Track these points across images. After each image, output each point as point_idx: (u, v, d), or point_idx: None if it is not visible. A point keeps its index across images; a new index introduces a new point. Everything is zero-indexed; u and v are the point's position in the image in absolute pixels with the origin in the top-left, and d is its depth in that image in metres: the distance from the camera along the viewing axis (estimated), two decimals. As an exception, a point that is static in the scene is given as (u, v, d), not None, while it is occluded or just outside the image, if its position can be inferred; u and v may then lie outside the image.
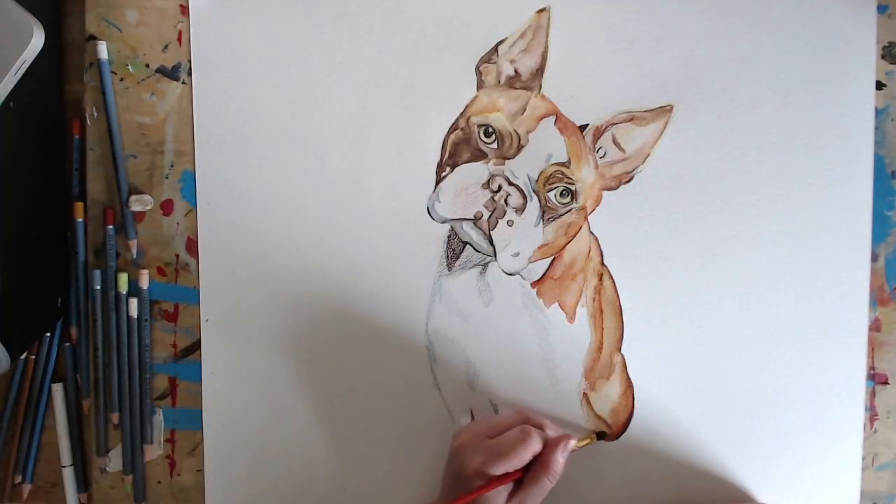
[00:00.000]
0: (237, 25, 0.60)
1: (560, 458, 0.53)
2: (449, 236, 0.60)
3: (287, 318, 0.60)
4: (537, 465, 0.53)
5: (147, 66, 0.60)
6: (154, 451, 0.62)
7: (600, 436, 0.59)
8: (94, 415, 0.62)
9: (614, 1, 0.58)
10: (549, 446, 0.53)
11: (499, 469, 0.51)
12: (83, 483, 0.63)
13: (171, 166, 0.61)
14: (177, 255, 0.61)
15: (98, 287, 0.61)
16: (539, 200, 0.59)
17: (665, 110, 0.59)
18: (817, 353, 0.59)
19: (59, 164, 0.62)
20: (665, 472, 0.60)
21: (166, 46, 0.60)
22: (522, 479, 0.53)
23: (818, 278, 0.59)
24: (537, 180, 0.59)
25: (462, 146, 0.59)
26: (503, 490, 0.52)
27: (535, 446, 0.52)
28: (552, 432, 0.55)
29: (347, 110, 0.60)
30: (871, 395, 0.59)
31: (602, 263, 0.59)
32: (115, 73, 0.60)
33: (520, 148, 0.59)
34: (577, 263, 0.59)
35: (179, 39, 0.60)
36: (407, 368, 0.60)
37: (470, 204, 0.59)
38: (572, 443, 0.54)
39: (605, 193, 0.59)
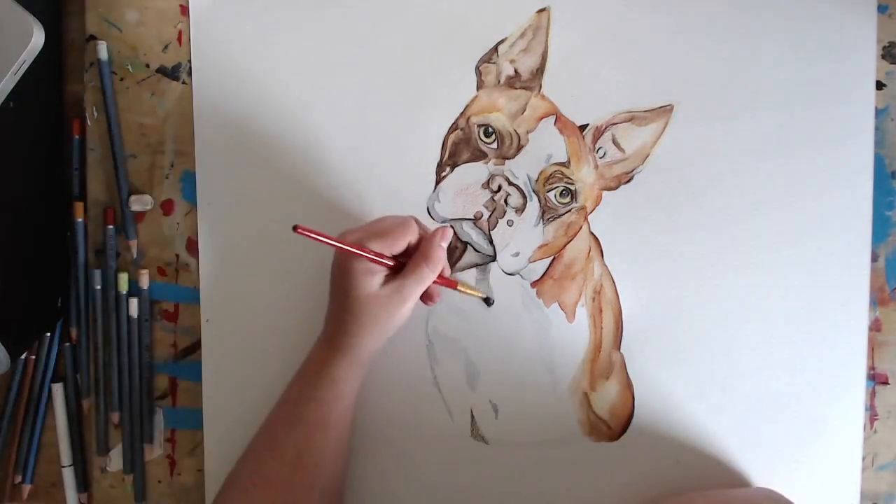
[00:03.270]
0: (237, 25, 0.60)
1: (438, 248, 0.53)
2: (449, 236, 0.60)
3: (287, 318, 0.60)
4: (417, 254, 0.53)
5: (147, 66, 0.60)
6: (154, 451, 0.62)
7: (487, 301, 0.59)
8: (95, 415, 0.62)
9: (614, 1, 0.58)
10: (427, 237, 0.54)
11: (374, 246, 0.52)
12: (83, 483, 0.63)
13: (171, 166, 0.61)
14: (177, 255, 0.61)
15: (98, 287, 0.61)
16: (539, 200, 0.59)
17: (665, 110, 0.59)
18: (817, 353, 0.59)
19: (59, 164, 0.62)
20: (665, 471, 0.60)
21: (166, 46, 0.60)
22: (402, 267, 0.53)
23: (818, 278, 0.59)
24: (537, 180, 0.59)
25: (462, 146, 0.59)
26: (379, 272, 0.52)
27: (411, 234, 0.53)
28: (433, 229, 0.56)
29: (347, 110, 0.60)
30: (871, 395, 0.59)
31: (602, 263, 0.59)
32: (115, 73, 0.60)
33: (520, 148, 0.59)
34: (576, 263, 0.59)
35: (179, 39, 0.60)
36: (407, 368, 0.60)
37: (470, 204, 0.59)
38: (449, 233, 0.55)
39: (605, 193, 0.59)
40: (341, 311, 0.53)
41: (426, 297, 0.55)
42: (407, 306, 0.53)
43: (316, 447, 0.53)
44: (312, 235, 0.49)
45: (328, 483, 0.54)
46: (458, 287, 0.58)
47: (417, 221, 0.56)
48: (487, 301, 0.59)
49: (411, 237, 0.54)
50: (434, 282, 0.54)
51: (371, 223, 0.55)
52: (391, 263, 0.53)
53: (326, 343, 0.54)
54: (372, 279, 0.52)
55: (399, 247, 0.53)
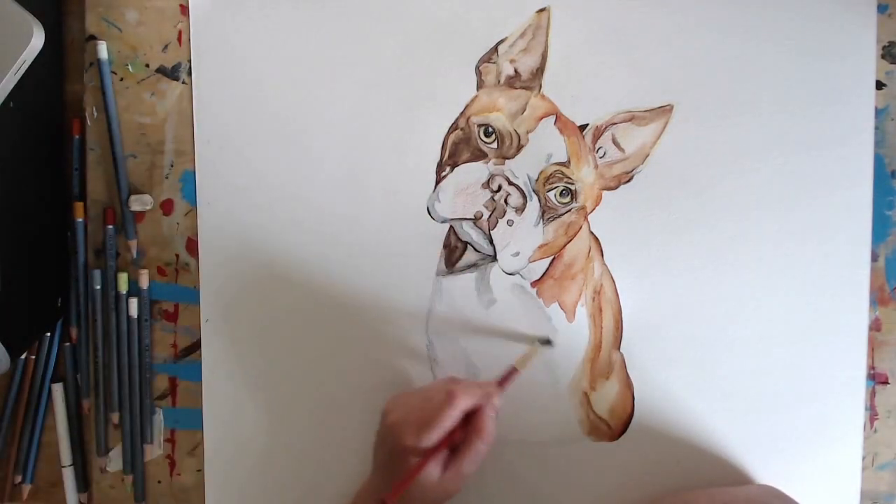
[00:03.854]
0: (237, 25, 0.60)
1: (489, 420, 0.52)
2: (449, 236, 0.60)
3: (287, 318, 0.60)
4: (470, 430, 0.52)
5: (147, 66, 0.60)
6: (154, 451, 0.62)
7: (544, 342, 0.58)
8: (94, 415, 0.62)
9: (614, 1, 0.58)
10: (479, 412, 0.52)
11: (431, 440, 0.50)
12: (83, 483, 0.63)
13: (171, 166, 0.61)
14: (177, 255, 0.61)
15: (98, 287, 0.61)
16: (539, 200, 0.59)
17: (665, 110, 0.59)
18: (817, 353, 0.59)
19: (59, 164, 0.62)
20: (665, 471, 0.60)
21: (166, 46, 0.60)
22: (458, 445, 0.52)
23: (818, 278, 0.59)
24: (537, 180, 0.59)
25: (462, 146, 0.59)
26: (438, 459, 0.51)
27: (461, 405, 0.51)
28: (481, 390, 0.53)
29: (347, 110, 0.60)
30: (871, 394, 0.59)
31: (602, 263, 0.59)
32: (115, 73, 0.60)
33: (520, 148, 0.59)
34: (576, 263, 0.59)
35: (179, 39, 0.60)
36: (407, 368, 0.60)
37: (470, 204, 0.59)
38: (496, 401, 0.53)
39: (605, 193, 0.59)
40: (408, 499, 0.51)
41: (475, 433, 0.53)
42: (464, 483, 0.52)
43: None
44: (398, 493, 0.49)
45: None
46: (520, 370, 0.56)
47: (458, 379, 0.55)
48: (548, 342, 0.59)
49: (462, 408, 0.51)
50: (503, 389, 0.54)
51: (416, 408, 0.52)
52: (445, 446, 0.51)
53: None
54: (435, 468, 0.51)
55: (452, 425, 0.51)
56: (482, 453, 0.52)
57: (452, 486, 0.51)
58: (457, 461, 0.51)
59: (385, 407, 0.54)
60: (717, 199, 0.59)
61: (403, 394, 0.55)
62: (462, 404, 0.51)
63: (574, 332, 0.60)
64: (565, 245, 0.59)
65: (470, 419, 0.52)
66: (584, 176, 0.59)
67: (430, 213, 0.60)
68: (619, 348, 0.59)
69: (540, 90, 0.59)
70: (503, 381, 0.55)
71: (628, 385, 0.59)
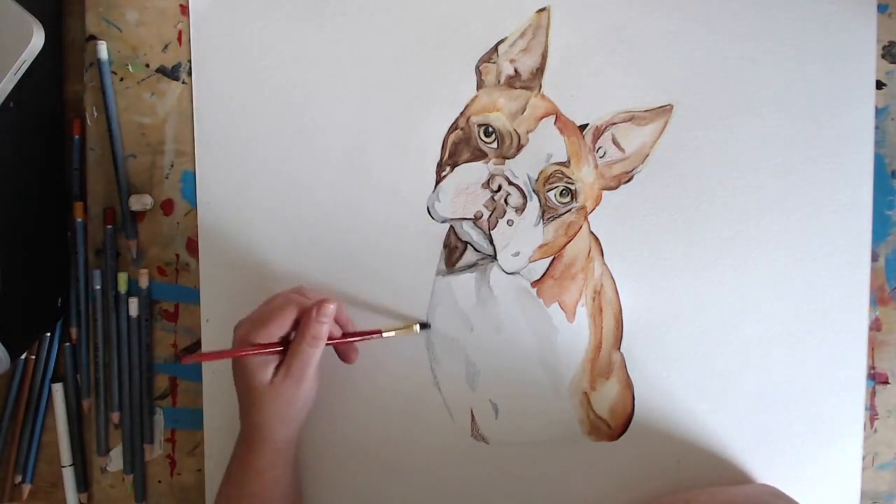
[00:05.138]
0: (237, 25, 0.60)
1: (313, 324, 0.52)
2: (449, 236, 0.60)
3: (287, 318, 0.60)
4: (297, 333, 0.53)
5: (147, 66, 0.60)
6: (154, 451, 0.62)
7: (423, 326, 0.59)
8: (95, 415, 0.62)
9: (614, 1, 0.58)
10: (305, 315, 0.53)
11: (259, 337, 0.52)
12: (83, 483, 0.63)
13: (171, 166, 0.61)
14: (177, 255, 0.61)
15: (98, 287, 0.61)
16: (539, 200, 0.59)
17: (665, 110, 0.59)
18: (817, 353, 0.59)
19: (59, 164, 0.62)
20: (665, 471, 0.60)
21: (166, 46, 0.60)
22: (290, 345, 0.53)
23: (818, 278, 0.59)
24: (537, 180, 0.59)
25: (462, 146, 0.59)
26: (272, 360, 0.53)
27: (289, 313, 0.53)
28: (317, 299, 0.54)
29: (347, 110, 0.60)
30: (871, 394, 0.59)
31: (602, 263, 0.59)
32: (115, 73, 0.60)
33: (520, 147, 0.59)
34: (577, 263, 0.59)
35: (179, 39, 0.60)
36: (407, 368, 0.60)
37: (470, 203, 0.59)
38: (328, 307, 0.53)
39: (605, 193, 0.59)
40: (247, 405, 0.54)
41: (343, 357, 0.56)
42: (303, 387, 0.53)
43: None
44: (199, 360, 0.52)
45: None
46: (384, 334, 0.57)
47: (304, 291, 0.55)
48: (423, 325, 0.59)
49: (291, 315, 0.53)
50: (352, 340, 0.55)
51: (257, 310, 0.54)
52: (279, 349, 0.53)
53: (243, 440, 0.55)
54: (266, 370, 0.53)
55: (285, 328, 0.53)
56: (310, 357, 0.52)
57: (290, 389, 0.52)
58: (286, 361, 0.53)
59: None
60: (717, 199, 0.59)
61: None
62: (291, 312, 0.53)
63: (574, 332, 0.60)
64: (565, 245, 0.59)
65: (300, 322, 0.53)
66: (584, 176, 0.59)
67: (430, 213, 0.60)
68: (619, 348, 0.59)
69: (540, 90, 0.59)
70: (361, 333, 0.56)
71: (628, 385, 0.59)
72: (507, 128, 0.59)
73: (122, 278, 0.61)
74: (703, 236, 0.59)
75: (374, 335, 0.57)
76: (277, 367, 0.53)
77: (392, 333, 0.57)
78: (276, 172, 0.60)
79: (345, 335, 0.57)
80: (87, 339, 0.62)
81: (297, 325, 0.53)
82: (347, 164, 0.60)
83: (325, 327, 0.53)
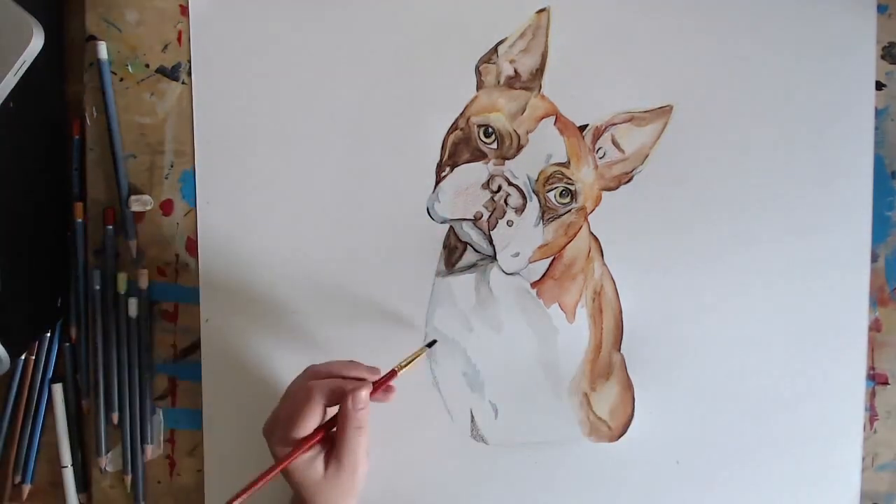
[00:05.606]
0: (237, 25, 0.60)
1: (352, 410, 0.50)
2: (449, 236, 0.60)
3: (287, 318, 0.60)
4: (339, 420, 0.51)
5: (147, 66, 0.60)
6: (154, 451, 0.62)
7: (430, 345, 0.58)
8: (94, 415, 0.62)
9: (614, 1, 0.58)
10: (343, 409, 0.51)
11: (296, 434, 0.50)
12: (83, 483, 0.63)
13: (171, 166, 0.61)
14: (177, 255, 0.61)
15: (98, 287, 0.61)
16: (539, 200, 0.59)
17: (665, 110, 0.59)
18: (817, 353, 0.59)
19: (59, 164, 0.62)
20: (665, 472, 0.60)
21: (166, 46, 0.60)
22: (333, 435, 0.52)
23: (818, 279, 0.59)
24: (537, 180, 0.59)
25: (462, 146, 0.59)
26: (317, 454, 0.51)
27: (318, 402, 0.51)
28: (344, 377, 0.52)
29: (347, 110, 0.60)
30: (871, 395, 0.59)
31: (602, 263, 0.59)
32: (115, 73, 0.60)
33: (519, 148, 0.59)
34: (577, 263, 0.59)
35: (179, 39, 0.60)
36: (407, 368, 0.60)
37: (470, 204, 0.59)
38: (362, 392, 0.51)
39: (604, 194, 0.59)
40: (304, 499, 0.52)
41: (383, 398, 0.54)
42: (359, 471, 0.52)
43: None
44: (249, 492, 0.49)
45: None
46: (399, 373, 0.55)
47: (317, 372, 0.53)
48: (430, 344, 0.58)
49: (318, 408, 0.51)
50: (376, 390, 0.53)
51: (282, 409, 0.52)
52: (318, 439, 0.51)
53: None
54: (316, 465, 0.51)
55: (317, 419, 0.51)
56: (357, 441, 0.51)
57: (347, 476, 0.51)
58: (335, 451, 0.51)
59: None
60: (717, 199, 0.59)
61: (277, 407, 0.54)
62: (319, 399, 0.51)
63: (574, 333, 0.60)
64: (565, 245, 0.59)
65: (341, 409, 0.51)
66: (584, 176, 0.59)
67: (429, 214, 0.60)
68: (619, 349, 0.59)
69: (540, 90, 0.59)
70: (382, 380, 0.54)
71: (628, 386, 0.59)
72: (507, 128, 0.59)
73: (122, 278, 0.61)
74: (703, 236, 0.59)
75: (391, 377, 0.54)
76: (327, 458, 0.51)
77: (407, 367, 0.55)
78: (276, 172, 0.60)
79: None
80: (87, 340, 0.62)
81: (325, 407, 0.52)
82: (347, 164, 0.60)
83: (364, 413, 0.51)
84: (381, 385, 0.53)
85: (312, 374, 0.54)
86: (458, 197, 0.59)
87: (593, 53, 0.59)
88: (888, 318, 0.59)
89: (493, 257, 0.59)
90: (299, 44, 0.60)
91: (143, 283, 0.61)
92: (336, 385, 0.52)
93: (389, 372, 0.54)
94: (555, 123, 0.59)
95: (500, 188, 0.59)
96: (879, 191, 0.58)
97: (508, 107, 0.59)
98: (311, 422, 0.51)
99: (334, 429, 0.52)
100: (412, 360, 0.56)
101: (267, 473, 0.50)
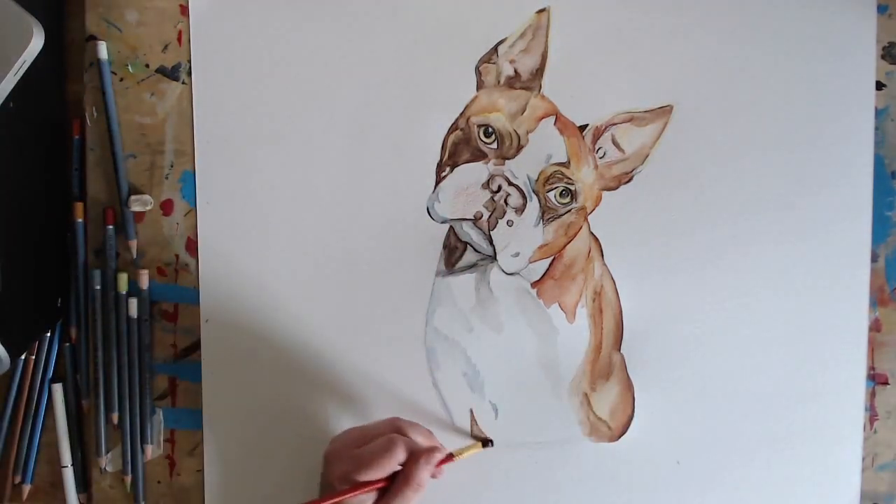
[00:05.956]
0: (237, 25, 0.60)
1: (422, 471, 0.51)
2: (449, 236, 0.60)
3: (287, 318, 0.60)
4: (401, 475, 0.51)
5: (147, 66, 0.60)
6: (154, 451, 0.62)
7: (485, 443, 0.59)
8: (94, 415, 0.62)
9: (614, 1, 0.58)
10: (412, 458, 0.52)
11: (363, 477, 0.51)
12: (83, 483, 0.63)
13: (171, 166, 0.61)
14: (177, 256, 0.61)
15: (98, 287, 0.61)
16: (539, 200, 0.59)
17: (665, 110, 0.59)
18: (817, 353, 0.59)
19: (59, 164, 0.62)
20: (665, 472, 0.60)
21: (166, 46, 0.60)
22: (389, 488, 0.52)
23: (818, 279, 0.59)
24: (537, 180, 0.59)
25: (462, 146, 0.59)
26: (368, 498, 0.51)
27: (398, 457, 0.51)
28: (422, 440, 0.54)
29: (347, 110, 0.60)
30: (871, 395, 0.59)
31: (602, 263, 0.59)
32: (115, 73, 0.60)
33: (519, 148, 0.59)
34: (577, 263, 0.59)
35: (179, 39, 0.60)
36: (407, 368, 0.60)
37: (470, 204, 0.59)
38: (437, 456, 0.52)
39: (604, 193, 0.59)
40: None
41: (435, 472, 0.54)
42: None
43: None
44: None
45: None
46: (455, 458, 0.55)
47: (403, 428, 0.54)
48: (486, 443, 0.59)
49: (399, 459, 0.51)
50: (433, 475, 0.53)
51: (357, 437, 0.53)
52: (379, 486, 0.52)
53: None
54: None
55: (387, 472, 0.51)
56: (410, 499, 0.52)
57: None
58: (385, 502, 0.51)
59: (332, 438, 0.54)
60: (717, 199, 0.59)
61: (346, 430, 0.55)
62: (400, 456, 0.51)
63: (574, 333, 0.60)
64: (565, 245, 0.59)
65: (404, 465, 0.52)
66: (584, 176, 0.59)
67: (429, 214, 0.60)
68: (619, 349, 0.59)
69: (540, 90, 0.59)
70: (439, 462, 0.54)
71: (629, 386, 0.59)
72: (507, 128, 0.59)
73: (122, 278, 0.61)
74: (703, 236, 0.59)
75: (449, 459, 0.55)
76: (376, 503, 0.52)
77: (461, 456, 0.56)
78: (276, 172, 0.60)
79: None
80: (87, 340, 0.62)
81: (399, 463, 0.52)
82: (347, 164, 0.60)
83: (429, 473, 0.52)
84: (442, 462, 0.54)
85: (397, 428, 0.54)
86: (458, 197, 0.59)
87: (593, 53, 0.59)
88: (888, 318, 0.59)
89: (493, 257, 0.59)
90: (299, 44, 0.60)
91: (144, 283, 0.61)
92: (415, 446, 0.53)
93: (448, 454, 0.54)
94: (555, 123, 0.59)
95: (500, 188, 0.59)
96: (879, 191, 0.58)
97: (508, 107, 0.59)
98: (383, 470, 0.51)
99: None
100: (467, 451, 0.56)
101: (322, 501, 0.51)
